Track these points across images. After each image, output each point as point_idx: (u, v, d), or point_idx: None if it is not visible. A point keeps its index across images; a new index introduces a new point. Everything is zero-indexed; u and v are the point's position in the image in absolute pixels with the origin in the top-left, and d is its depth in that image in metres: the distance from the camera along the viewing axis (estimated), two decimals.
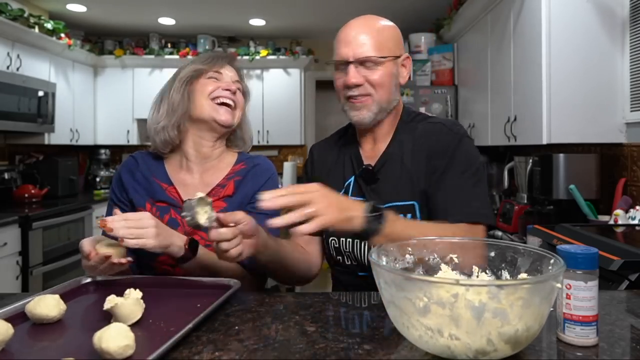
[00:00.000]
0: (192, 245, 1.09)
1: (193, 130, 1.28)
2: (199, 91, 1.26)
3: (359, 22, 1.15)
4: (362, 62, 1.12)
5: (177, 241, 1.06)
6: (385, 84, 1.14)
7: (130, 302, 0.81)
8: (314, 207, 0.86)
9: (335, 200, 0.91)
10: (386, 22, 1.18)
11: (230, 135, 1.35)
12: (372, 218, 0.92)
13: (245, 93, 1.35)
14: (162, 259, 1.18)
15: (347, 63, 1.13)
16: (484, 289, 0.63)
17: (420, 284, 0.66)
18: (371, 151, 1.22)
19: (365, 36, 1.12)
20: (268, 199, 0.86)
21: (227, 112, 1.26)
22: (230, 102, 1.27)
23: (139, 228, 0.99)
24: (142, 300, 0.83)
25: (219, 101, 1.25)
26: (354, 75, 1.12)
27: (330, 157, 1.29)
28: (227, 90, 1.26)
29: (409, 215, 1.12)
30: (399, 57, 1.17)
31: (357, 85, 1.13)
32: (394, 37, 1.16)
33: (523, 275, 0.76)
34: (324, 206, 0.87)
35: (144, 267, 1.22)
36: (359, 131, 1.24)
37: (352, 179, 1.21)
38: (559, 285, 0.66)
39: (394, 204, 1.12)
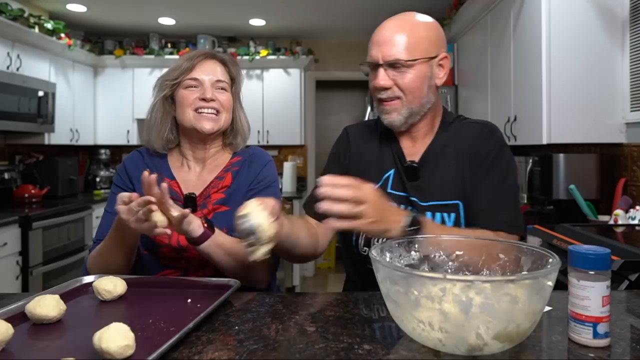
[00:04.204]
0: (209, 224, 1.10)
1: (185, 134, 1.30)
2: (180, 103, 1.26)
3: (392, 22, 1.11)
4: (391, 65, 1.09)
5: (195, 220, 1.07)
6: (416, 88, 1.10)
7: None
8: (363, 209, 0.87)
9: (383, 209, 0.91)
10: (422, 20, 1.13)
11: (224, 137, 1.34)
12: (411, 232, 0.93)
13: (234, 80, 1.31)
14: (165, 250, 1.20)
15: (377, 65, 1.10)
16: (470, 284, 0.64)
17: (410, 279, 0.67)
18: (411, 148, 1.19)
19: (397, 37, 1.08)
20: (327, 185, 0.86)
21: (209, 121, 1.24)
22: (212, 113, 1.24)
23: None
24: None
25: (200, 111, 1.24)
26: (382, 78, 1.10)
27: (370, 146, 1.25)
28: (204, 100, 1.23)
29: (452, 215, 1.12)
30: (434, 57, 1.12)
31: (386, 88, 1.11)
32: (430, 37, 1.11)
33: (524, 274, 0.77)
34: (373, 212, 0.88)
35: (149, 258, 1.24)
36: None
37: (392, 172, 1.19)
38: (550, 283, 0.66)
39: (439, 202, 1.12)
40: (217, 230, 1.11)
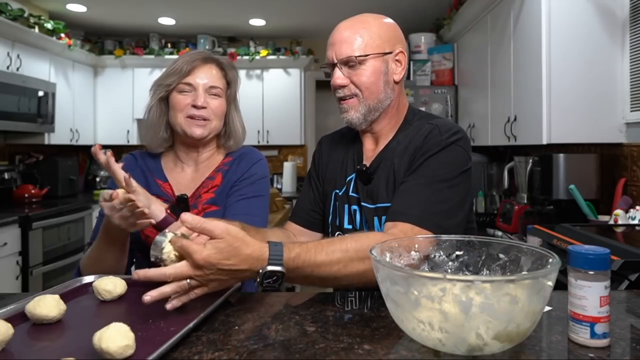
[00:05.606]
0: (174, 211, 1.11)
1: (178, 136, 1.32)
2: (173, 106, 1.26)
3: (345, 23, 1.13)
4: (346, 63, 1.11)
5: (156, 203, 1.09)
6: (371, 84, 1.11)
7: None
8: (204, 284, 0.82)
9: (228, 263, 0.80)
10: (375, 18, 1.14)
11: (218, 139, 1.35)
12: (267, 274, 0.84)
13: (229, 85, 1.31)
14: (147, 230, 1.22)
15: (332, 65, 1.13)
16: (470, 284, 0.64)
17: (410, 279, 0.67)
18: (372, 151, 1.20)
19: (349, 36, 1.10)
20: (153, 294, 0.79)
21: (199, 127, 1.25)
22: (201, 120, 1.25)
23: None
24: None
25: (191, 116, 1.25)
26: (338, 76, 1.12)
27: (337, 151, 1.28)
28: (195, 107, 1.23)
29: None
30: (389, 53, 1.12)
31: (343, 86, 1.12)
32: (383, 34, 1.12)
33: (524, 274, 0.77)
34: (215, 278, 0.81)
35: (142, 261, 1.27)
36: (360, 130, 1.22)
37: (353, 176, 1.19)
38: (550, 283, 0.66)
39: (384, 205, 1.11)
40: None
